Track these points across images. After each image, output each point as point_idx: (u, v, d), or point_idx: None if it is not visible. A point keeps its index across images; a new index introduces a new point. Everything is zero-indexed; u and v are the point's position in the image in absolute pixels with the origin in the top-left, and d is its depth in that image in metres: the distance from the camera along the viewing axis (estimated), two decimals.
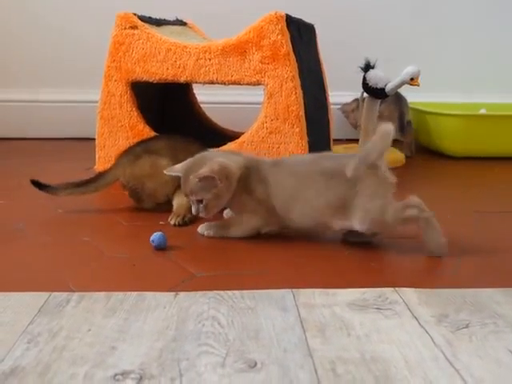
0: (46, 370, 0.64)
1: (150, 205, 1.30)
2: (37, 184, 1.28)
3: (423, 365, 0.67)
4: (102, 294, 0.84)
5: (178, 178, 1.14)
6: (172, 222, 1.20)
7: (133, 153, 1.31)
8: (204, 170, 1.05)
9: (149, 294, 0.84)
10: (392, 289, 0.88)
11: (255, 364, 0.66)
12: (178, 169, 1.12)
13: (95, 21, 2.12)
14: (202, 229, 1.13)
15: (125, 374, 0.64)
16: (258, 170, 1.10)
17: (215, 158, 1.09)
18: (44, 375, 0.63)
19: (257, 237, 1.10)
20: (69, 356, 0.67)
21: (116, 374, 0.64)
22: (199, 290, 0.87)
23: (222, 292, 0.86)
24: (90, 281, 0.91)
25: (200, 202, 1.08)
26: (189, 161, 1.12)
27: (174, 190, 1.27)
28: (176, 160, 1.18)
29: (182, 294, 0.85)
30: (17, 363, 0.66)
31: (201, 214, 1.10)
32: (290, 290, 0.87)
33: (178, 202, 1.25)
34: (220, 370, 0.65)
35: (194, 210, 1.10)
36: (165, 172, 1.14)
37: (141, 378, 0.63)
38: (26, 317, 0.77)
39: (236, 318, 0.78)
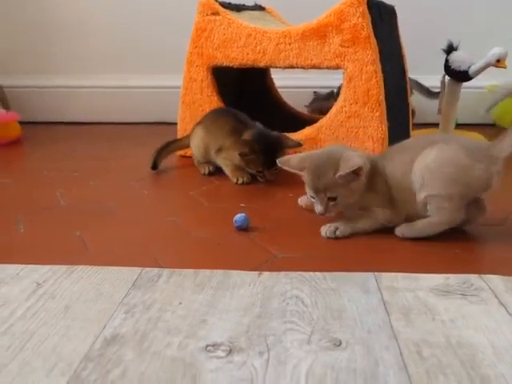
0: (143, 338, 0.69)
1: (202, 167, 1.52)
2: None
3: (511, 352, 0.66)
4: (191, 270, 0.89)
5: (207, 143, 1.47)
6: (240, 182, 1.40)
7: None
8: (353, 163, 1.01)
9: (234, 273, 0.88)
10: (477, 275, 0.86)
11: (340, 343, 0.68)
12: (296, 165, 1.07)
13: (178, 7, 2.17)
14: (328, 232, 1.05)
15: (216, 346, 0.67)
16: (375, 164, 1.06)
17: (347, 153, 1.06)
18: (142, 343, 0.68)
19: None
20: (163, 326, 0.72)
21: (207, 346, 0.67)
22: (282, 270, 0.89)
23: (304, 273, 0.88)
24: (178, 258, 0.96)
25: (332, 199, 1.04)
26: (312, 157, 1.07)
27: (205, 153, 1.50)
28: (206, 130, 1.48)
29: (265, 273, 0.88)
30: (117, 331, 0.71)
31: (327, 213, 1.05)
32: (372, 273, 0.87)
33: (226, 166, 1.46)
34: (306, 346, 0.67)
35: (320, 208, 1.04)
36: (279, 164, 1.10)
37: (230, 351, 0.66)
38: (122, 289, 0.82)
39: (319, 298, 0.80)
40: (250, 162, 1.38)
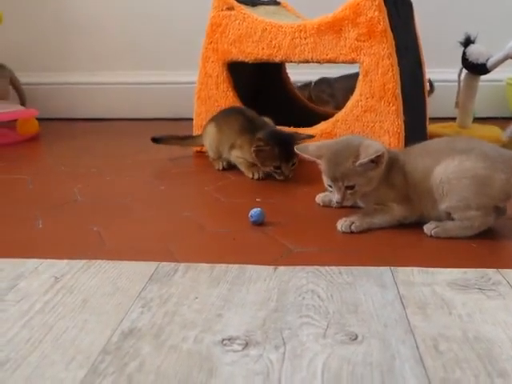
0: (160, 331, 0.70)
1: (216, 163, 1.53)
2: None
3: None
4: (207, 265, 0.89)
5: (219, 141, 1.48)
6: (255, 177, 1.41)
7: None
8: (375, 150, 1.01)
9: (250, 267, 0.88)
10: (495, 270, 0.86)
11: (356, 337, 0.68)
12: (314, 152, 1.07)
13: (193, 2, 2.17)
14: (344, 226, 1.04)
15: (231, 340, 0.68)
16: (395, 158, 1.06)
17: (366, 142, 1.06)
18: (158, 337, 0.69)
19: None
20: (180, 320, 0.72)
21: (223, 339, 0.68)
22: (297, 264, 0.89)
23: (320, 267, 0.88)
24: (194, 253, 0.96)
25: (350, 188, 1.03)
26: (330, 145, 1.08)
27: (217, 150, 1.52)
28: (218, 128, 1.49)
29: (281, 267, 0.88)
30: (134, 325, 0.72)
31: (344, 202, 1.05)
32: (388, 267, 0.87)
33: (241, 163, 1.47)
34: (322, 340, 0.67)
35: (337, 197, 1.04)
36: (297, 151, 1.12)
37: (246, 344, 0.67)
38: (139, 284, 0.83)
39: (335, 292, 0.79)
40: (266, 158, 1.37)
